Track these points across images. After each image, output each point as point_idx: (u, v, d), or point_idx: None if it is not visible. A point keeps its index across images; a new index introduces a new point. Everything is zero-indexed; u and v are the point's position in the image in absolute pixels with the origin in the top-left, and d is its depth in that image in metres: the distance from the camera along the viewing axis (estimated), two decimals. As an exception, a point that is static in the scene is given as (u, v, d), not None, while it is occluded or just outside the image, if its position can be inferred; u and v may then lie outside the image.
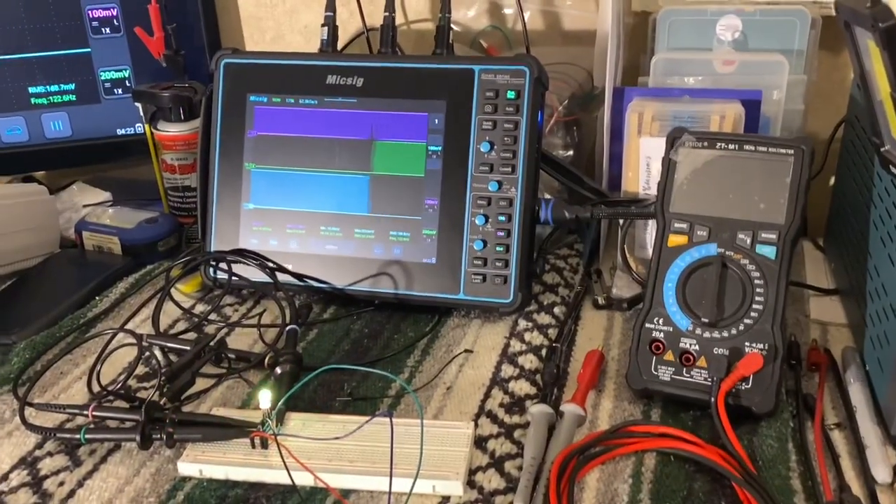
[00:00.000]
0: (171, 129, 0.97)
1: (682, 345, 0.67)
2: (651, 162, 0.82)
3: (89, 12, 1.01)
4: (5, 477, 0.62)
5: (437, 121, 0.80)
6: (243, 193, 0.85)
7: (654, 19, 0.90)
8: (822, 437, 0.62)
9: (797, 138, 0.68)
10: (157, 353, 0.74)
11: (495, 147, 0.79)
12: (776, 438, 0.62)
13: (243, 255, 0.82)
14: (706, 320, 0.66)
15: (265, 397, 0.63)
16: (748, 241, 0.66)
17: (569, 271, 0.91)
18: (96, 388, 0.70)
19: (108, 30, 1.02)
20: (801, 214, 0.66)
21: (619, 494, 0.58)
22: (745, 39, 0.87)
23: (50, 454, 0.64)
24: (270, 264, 0.81)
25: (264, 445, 0.62)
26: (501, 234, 0.79)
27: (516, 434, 0.65)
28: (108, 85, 1.05)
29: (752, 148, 0.68)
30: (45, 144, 1.05)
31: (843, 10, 0.63)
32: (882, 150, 0.62)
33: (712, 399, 0.62)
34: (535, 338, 0.78)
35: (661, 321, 0.68)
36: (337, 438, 0.62)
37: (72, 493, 0.60)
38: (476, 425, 0.65)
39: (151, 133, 0.99)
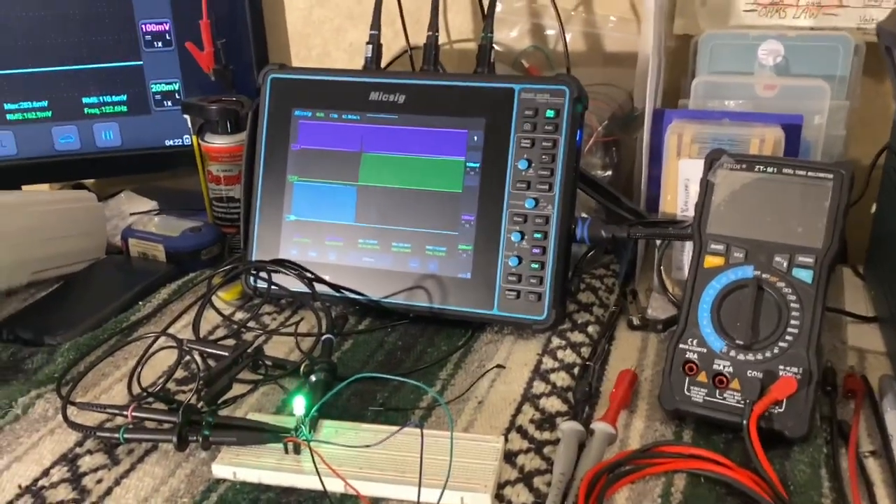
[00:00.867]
0: (217, 142, 1.00)
1: (715, 366, 0.66)
2: (689, 184, 0.82)
3: (143, 26, 1.05)
4: (46, 472, 0.64)
5: (476, 138, 0.82)
6: (285, 205, 0.87)
7: (696, 43, 0.91)
8: (857, 464, 0.61)
9: (837, 163, 0.68)
10: (197, 357, 0.75)
11: (533, 165, 0.80)
12: (809, 464, 0.62)
13: (283, 265, 0.83)
14: (741, 342, 0.66)
15: (299, 404, 0.64)
16: (785, 264, 0.66)
17: (604, 291, 0.91)
18: (136, 390, 0.72)
19: (160, 44, 1.06)
20: (840, 239, 0.66)
21: (648, 514, 0.58)
22: (786, 64, 0.87)
23: (90, 452, 0.66)
24: (308, 275, 0.82)
25: (297, 451, 0.63)
26: (537, 251, 0.80)
27: (546, 450, 0.65)
28: (158, 97, 1.08)
29: (791, 171, 0.68)
30: (95, 153, 1.08)
31: (884, 34, 0.63)
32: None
33: (744, 422, 0.61)
34: (568, 356, 0.78)
35: (695, 342, 0.68)
36: (368, 447, 0.62)
37: (109, 491, 0.62)
38: (506, 440, 0.65)
39: (198, 144, 1.01)
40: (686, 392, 0.67)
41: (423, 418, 0.69)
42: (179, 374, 0.76)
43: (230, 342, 0.81)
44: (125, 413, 0.67)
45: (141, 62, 1.06)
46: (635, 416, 0.69)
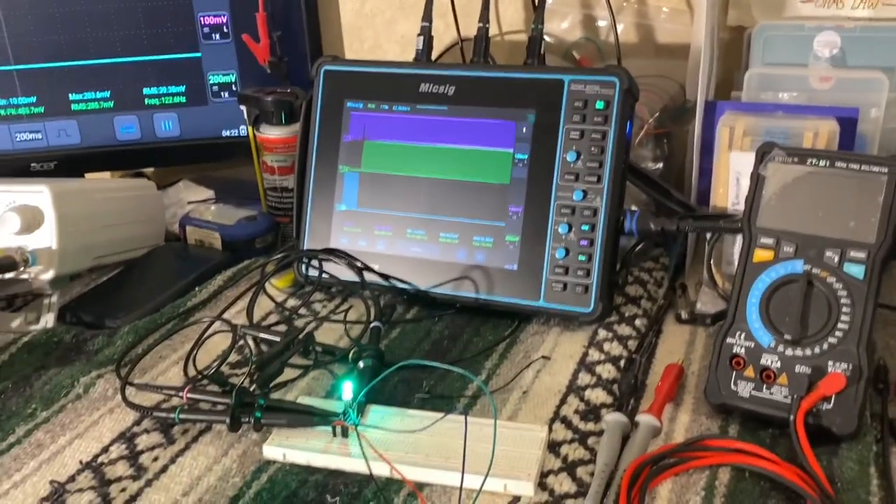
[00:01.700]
0: (272, 132, 1.02)
1: (763, 361, 0.66)
2: (741, 177, 0.81)
3: (201, 19, 1.07)
4: (106, 449, 0.66)
5: (524, 129, 0.82)
6: (336, 195, 0.89)
7: (750, 34, 0.89)
8: (907, 464, 0.61)
9: (892, 157, 0.66)
10: (250, 342, 0.77)
11: (582, 156, 0.80)
12: (857, 461, 0.61)
13: (333, 254, 0.85)
14: (789, 338, 0.65)
15: (348, 389, 0.65)
16: (836, 259, 0.65)
17: (653, 284, 0.90)
18: (192, 373, 0.75)
19: (217, 36, 1.08)
20: (894, 234, 0.65)
21: (691, 506, 0.58)
22: (843, 56, 0.85)
23: (147, 431, 0.68)
24: (358, 264, 0.84)
25: (345, 435, 0.64)
26: (584, 243, 0.80)
27: (590, 441, 0.65)
28: (215, 88, 1.10)
29: (845, 165, 0.67)
30: (155, 143, 1.11)
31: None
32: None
33: (791, 417, 0.61)
34: (615, 348, 0.78)
35: (742, 336, 0.67)
36: (414, 432, 0.64)
37: (164, 469, 0.64)
38: (550, 430, 0.66)
39: (254, 135, 1.03)
40: (733, 386, 0.66)
41: (469, 406, 0.70)
42: (233, 358, 0.78)
43: (282, 328, 0.82)
44: (181, 394, 0.69)
45: (199, 54, 1.09)
46: (681, 409, 0.69)
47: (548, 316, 0.83)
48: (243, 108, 1.03)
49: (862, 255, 0.65)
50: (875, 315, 0.64)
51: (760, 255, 0.68)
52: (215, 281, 0.94)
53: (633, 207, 0.87)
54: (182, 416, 0.67)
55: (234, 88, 1.10)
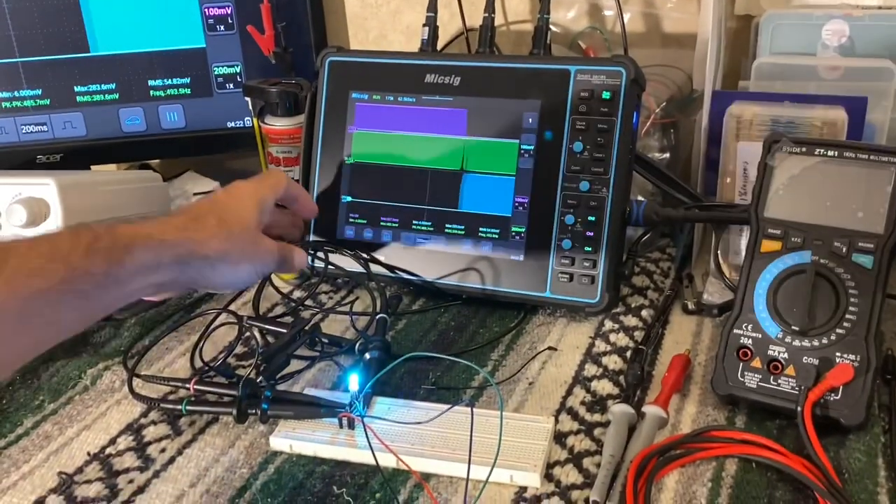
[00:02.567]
0: (277, 123, 1.01)
1: (770, 352, 0.66)
2: (748, 167, 0.81)
3: (206, 10, 1.07)
4: (113, 441, 0.67)
5: (530, 120, 0.82)
6: (341, 186, 0.89)
7: (758, 23, 0.89)
8: (915, 454, 0.60)
9: (901, 146, 0.66)
10: (256, 333, 0.78)
11: (588, 147, 0.80)
12: (865, 452, 0.61)
13: (339, 246, 0.85)
14: (797, 328, 0.65)
15: (354, 381, 0.65)
16: (844, 249, 0.65)
17: (659, 275, 0.90)
18: (198, 364, 0.75)
19: (222, 27, 1.08)
20: (903, 225, 0.64)
21: (698, 497, 0.58)
22: (851, 45, 0.85)
23: (154, 422, 0.69)
24: (364, 255, 0.84)
25: (351, 426, 0.64)
26: (590, 234, 0.80)
27: (596, 432, 0.65)
28: (220, 79, 1.10)
29: (853, 155, 0.67)
30: (160, 134, 1.11)
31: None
32: None
33: (799, 408, 0.61)
34: (621, 339, 0.78)
35: (749, 327, 0.67)
36: (420, 423, 0.64)
37: (172, 460, 0.64)
38: (556, 421, 0.66)
39: (259, 126, 1.03)
40: (740, 377, 0.66)
41: (475, 398, 0.70)
42: (239, 349, 0.78)
43: (288, 319, 0.83)
44: (187, 386, 0.69)
45: (204, 45, 1.08)
46: (688, 400, 0.69)
47: (554, 307, 0.83)
48: (248, 99, 1.03)
49: (870, 245, 0.64)
50: (883, 305, 0.64)
51: (768, 245, 0.68)
52: (221, 273, 0.94)
53: (640, 198, 0.86)
54: (189, 407, 0.68)
55: (238, 79, 1.10)
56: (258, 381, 0.69)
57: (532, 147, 0.82)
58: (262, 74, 1.07)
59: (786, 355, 0.65)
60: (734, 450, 0.61)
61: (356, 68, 0.89)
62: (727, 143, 0.81)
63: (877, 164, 0.66)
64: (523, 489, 0.59)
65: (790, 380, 0.64)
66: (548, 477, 0.60)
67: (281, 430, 0.65)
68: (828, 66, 0.84)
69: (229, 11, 1.07)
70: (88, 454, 0.65)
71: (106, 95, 1.09)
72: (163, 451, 0.65)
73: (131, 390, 0.71)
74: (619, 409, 0.65)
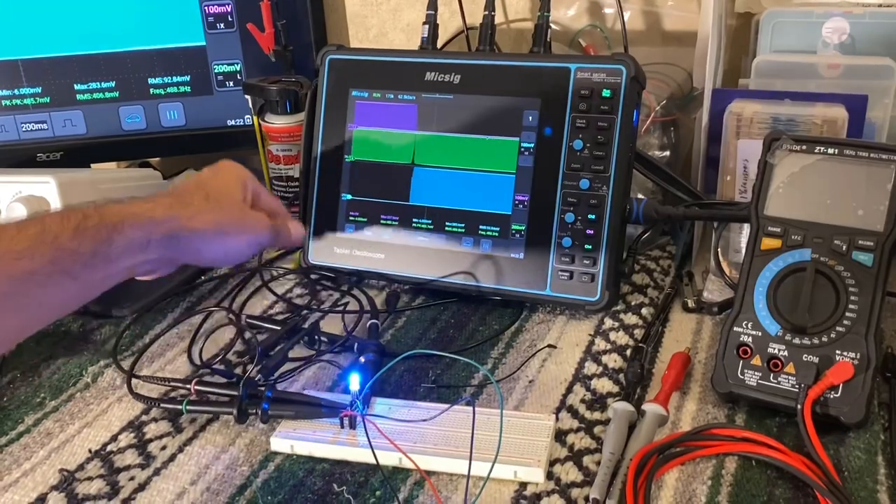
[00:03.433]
0: (277, 122, 1.02)
1: (770, 350, 0.66)
2: (749, 165, 0.81)
3: (206, 8, 1.07)
4: (115, 438, 0.67)
5: (530, 118, 0.82)
6: (342, 184, 0.89)
7: (758, 21, 0.89)
8: (915, 452, 0.60)
9: (902, 144, 0.66)
10: (255, 332, 0.78)
11: (588, 145, 0.80)
12: (865, 450, 0.61)
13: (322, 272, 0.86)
14: (797, 326, 0.65)
15: (354, 380, 0.65)
16: (844, 247, 0.65)
17: (659, 273, 0.90)
18: (197, 363, 0.75)
19: (222, 25, 1.08)
20: (903, 223, 0.64)
21: (697, 495, 0.58)
22: (852, 43, 0.85)
23: (155, 420, 0.69)
24: (352, 276, 0.86)
25: (352, 426, 0.64)
26: (590, 232, 0.80)
27: (596, 430, 0.65)
28: (220, 78, 1.10)
29: (853, 153, 0.67)
30: (160, 132, 1.11)
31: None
32: None
33: (798, 406, 0.61)
34: (621, 337, 0.78)
35: (749, 325, 0.67)
36: (423, 421, 0.64)
37: (173, 458, 0.64)
38: (556, 418, 0.66)
39: (259, 124, 1.03)
40: (740, 375, 0.66)
41: (475, 396, 0.70)
42: (239, 347, 0.78)
43: (287, 318, 0.83)
44: (188, 387, 0.69)
45: (204, 43, 1.08)
46: (688, 398, 0.69)
47: (554, 305, 0.83)
48: (248, 97, 1.03)
49: (870, 243, 0.64)
50: (883, 303, 0.64)
51: (768, 243, 0.68)
52: (221, 270, 0.94)
53: (640, 196, 0.86)
54: (190, 407, 0.68)
55: (239, 78, 1.10)
56: (257, 380, 0.70)
57: (532, 145, 0.82)
58: (263, 72, 1.07)
59: (786, 353, 0.65)
60: (734, 448, 0.61)
61: (356, 66, 0.89)
62: (727, 140, 0.81)
63: (877, 161, 0.66)
64: (523, 487, 0.59)
65: (790, 378, 0.64)
66: (548, 475, 0.60)
67: (281, 430, 0.65)
68: (828, 63, 0.84)
69: (229, 9, 1.07)
70: (90, 451, 0.65)
71: (106, 93, 1.09)
72: (164, 448, 0.65)
73: (131, 391, 0.71)
74: (619, 407, 0.65)
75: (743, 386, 0.66)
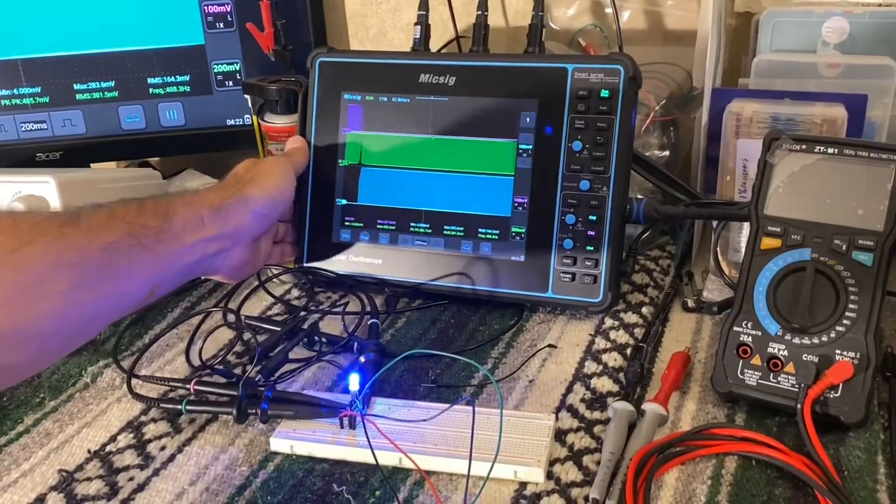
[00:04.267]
0: (276, 121, 1.01)
1: (770, 350, 0.66)
2: (748, 164, 0.81)
3: (205, 8, 1.07)
4: (114, 438, 0.67)
5: (528, 119, 0.81)
6: (336, 189, 0.88)
7: (758, 20, 0.89)
8: (915, 452, 0.60)
9: (901, 143, 0.66)
10: (254, 333, 0.78)
11: (587, 146, 0.80)
12: (864, 450, 0.61)
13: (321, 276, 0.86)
14: (796, 326, 0.65)
15: (354, 380, 0.65)
16: (844, 247, 0.65)
17: (659, 273, 0.90)
18: (196, 363, 0.75)
19: (221, 25, 1.08)
20: (903, 222, 0.64)
21: (697, 495, 0.58)
22: (852, 42, 0.85)
23: (154, 420, 0.69)
24: (349, 280, 0.86)
25: (352, 426, 0.64)
26: (592, 233, 0.80)
27: (596, 430, 0.65)
28: (220, 77, 1.10)
29: (853, 152, 0.67)
30: (160, 132, 1.11)
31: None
32: None
33: (798, 405, 0.61)
34: (621, 336, 0.78)
35: (749, 325, 0.67)
36: (423, 421, 0.64)
37: (172, 458, 0.64)
38: (556, 418, 0.66)
39: (258, 124, 1.03)
40: (739, 375, 0.66)
41: (475, 396, 0.70)
42: (238, 348, 0.78)
43: (286, 318, 0.82)
44: (187, 387, 0.69)
45: (203, 43, 1.08)
46: (687, 398, 0.69)
47: (556, 307, 0.82)
48: (247, 97, 1.03)
49: (870, 242, 0.64)
50: (883, 303, 0.64)
51: (768, 242, 0.68)
52: (221, 270, 0.94)
53: (638, 195, 0.86)
54: (189, 407, 0.68)
55: (238, 77, 1.10)
56: (257, 380, 0.70)
57: (530, 147, 0.81)
58: (262, 72, 1.07)
59: (785, 353, 0.65)
60: (734, 447, 0.61)
61: (347, 69, 0.88)
62: (727, 140, 0.81)
63: (877, 161, 0.66)
64: (523, 486, 0.59)
65: (790, 377, 0.64)
66: (548, 475, 0.60)
67: (281, 430, 0.65)
68: (828, 63, 0.84)
69: (229, 9, 1.07)
70: (89, 452, 0.65)
71: (105, 93, 1.09)
72: (163, 448, 0.65)
73: (130, 391, 0.71)
74: (619, 406, 0.65)
75: (743, 385, 0.66)
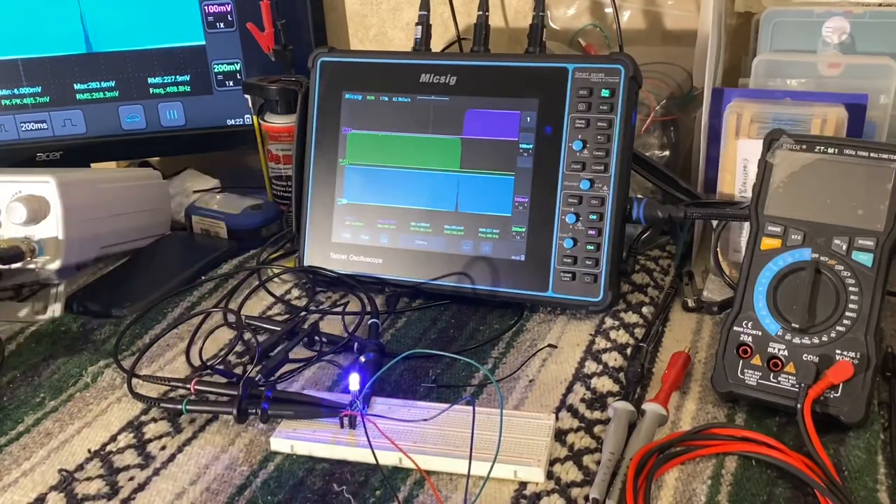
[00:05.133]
0: (276, 121, 1.02)
1: (770, 349, 0.66)
2: (748, 164, 0.80)
3: (205, 8, 1.07)
4: (114, 438, 0.67)
5: (529, 119, 0.81)
6: (337, 189, 0.88)
7: (758, 20, 0.89)
8: (915, 452, 0.60)
9: (901, 144, 0.66)
10: (254, 333, 0.77)
11: (588, 145, 0.80)
12: (864, 450, 0.61)
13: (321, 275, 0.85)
14: (797, 326, 0.65)
15: (354, 380, 0.65)
16: (844, 247, 0.65)
17: (659, 272, 0.90)
18: (196, 363, 0.75)
19: (221, 24, 1.08)
20: (903, 222, 0.64)
21: (697, 495, 0.58)
22: (852, 42, 0.85)
23: (154, 420, 0.69)
24: (349, 280, 0.85)
25: (352, 425, 0.64)
26: (592, 232, 0.80)
27: (596, 429, 0.65)
28: (220, 77, 1.10)
29: (853, 152, 0.67)
30: (160, 132, 1.11)
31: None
32: None
33: (798, 405, 0.61)
34: (621, 336, 0.78)
35: (749, 325, 0.67)
36: (423, 421, 0.64)
37: (172, 458, 0.64)
38: (556, 418, 0.66)
39: (259, 124, 1.03)
40: (740, 375, 0.66)
41: (475, 395, 0.70)
42: (239, 348, 0.78)
43: (287, 318, 0.82)
44: (188, 386, 0.69)
45: (204, 43, 1.08)
46: (687, 397, 0.69)
47: (557, 306, 0.82)
48: (248, 96, 1.03)
49: (870, 242, 0.64)
50: (883, 303, 0.64)
51: (768, 243, 0.68)
52: (221, 270, 0.94)
53: (639, 195, 0.86)
54: (189, 407, 0.67)
55: (238, 77, 1.10)
56: (257, 380, 0.70)
57: (531, 146, 0.81)
58: (262, 72, 1.07)
59: (786, 353, 0.65)
60: (734, 447, 0.61)
61: (348, 69, 0.88)
62: (727, 140, 0.81)
63: (877, 161, 0.66)
64: (523, 486, 0.59)
65: (790, 377, 0.64)
66: (548, 475, 0.60)
67: (281, 430, 0.65)
68: (828, 63, 0.84)
69: (229, 9, 1.07)
70: (89, 451, 0.65)
71: (106, 93, 1.09)
72: (163, 448, 0.65)
73: (131, 390, 0.71)
74: (619, 406, 0.65)
75: (743, 385, 0.66)
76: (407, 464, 0.61)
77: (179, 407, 0.67)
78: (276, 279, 0.90)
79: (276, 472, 0.62)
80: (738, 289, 0.69)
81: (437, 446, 0.62)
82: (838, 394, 0.62)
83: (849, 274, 0.64)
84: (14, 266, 0.80)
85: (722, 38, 0.89)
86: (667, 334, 0.78)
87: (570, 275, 0.80)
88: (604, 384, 0.71)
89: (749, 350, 0.66)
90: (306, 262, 0.89)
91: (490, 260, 0.83)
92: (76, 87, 1.08)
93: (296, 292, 0.89)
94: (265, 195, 1.07)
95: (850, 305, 0.64)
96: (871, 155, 0.66)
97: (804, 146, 0.69)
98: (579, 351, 0.76)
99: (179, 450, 0.65)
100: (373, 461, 0.60)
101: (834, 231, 0.66)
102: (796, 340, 0.65)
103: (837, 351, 0.63)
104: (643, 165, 0.87)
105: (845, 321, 0.64)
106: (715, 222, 0.83)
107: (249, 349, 0.77)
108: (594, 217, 0.80)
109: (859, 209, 0.65)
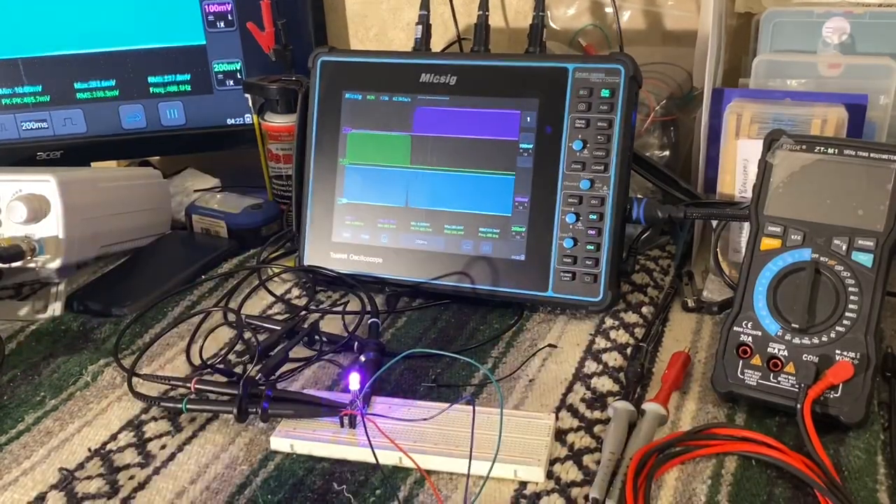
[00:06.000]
0: (277, 121, 1.02)
1: (770, 350, 0.66)
2: (748, 164, 0.81)
3: (206, 7, 1.07)
4: (114, 437, 0.67)
5: (529, 119, 0.81)
6: (337, 188, 0.88)
7: (758, 20, 0.89)
8: (914, 452, 0.60)
9: (902, 144, 0.66)
10: (254, 332, 0.78)
11: (588, 145, 0.80)
12: (864, 450, 0.61)
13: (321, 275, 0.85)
14: (796, 326, 0.65)
15: (354, 379, 0.65)
16: (844, 247, 0.65)
17: (659, 272, 0.90)
18: (196, 362, 0.75)
19: (222, 24, 1.08)
20: (903, 223, 0.64)
21: (697, 495, 0.58)
22: (852, 42, 0.85)
23: (154, 419, 0.69)
24: (349, 279, 0.85)
25: (352, 425, 0.64)
26: (592, 232, 0.80)
27: (596, 429, 0.65)
28: (220, 76, 1.10)
29: (853, 153, 0.67)
30: (160, 131, 1.11)
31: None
32: None
33: (798, 405, 0.61)
34: (621, 336, 0.78)
35: (749, 325, 0.67)
36: (423, 420, 0.64)
37: (172, 457, 0.64)
38: (556, 418, 0.66)
39: (259, 123, 1.03)
40: (739, 375, 0.66)
41: (475, 395, 0.70)
42: (239, 347, 0.78)
43: (287, 317, 0.82)
44: (188, 385, 0.69)
45: (204, 42, 1.08)
46: (687, 397, 0.69)
47: (556, 306, 0.82)
48: (248, 96, 1.03)
49: (870, 243, 0.64)
50: (883, 303, 0.64)
51: (768, 243, 0.68)
52: (221, 269, 0.94)
53: (639, 195, 0.86)
54: (190, 406, 0.68)
55: (239, 76, 1.10)
56: (258, 379, 0.70)
57: (531, 146, 0.82)
58: (263, 71, 1.07)
59: (785, 353, 0.65)
60: (734, 447, 0.61)
61: (349, 68, 0.88)
62: (727, 140, 0.81)
63: (877, 161, 0.66)
64: (523, 486, 0.59)
65: (790, 377, 0.64)
66: (548, 474, 0.60)
67: (281, 429, 0.65)
68: (828, 63, 0.84)
69: (229, 8, 1.07)
70: (89, 450, 0.65)
71: (106, 92, 1.09)
72: (163, 447, 0.65)
73: (131, 390, 0.71)
74: (619, 406, 0.65)
75: (743, 385, 0.66)
76: (407, 463, 0.61)
77: (180, 406, 0.67)
78: (276, 278, 0.90)
79: (277, 471, 0.62)
80: (737, 289, 0.69)
81: (437, 446, 0.62)
82: (838, 394, 0.63)
83: (849, 274, 0.65)
84: (14, 265, 0.80)
85: (722, 38, 0.89)
86: (667, 334, 0.78)
87: (570, 275, 0.80)
88: (604, 384, 0.71)
89: (749, 350, 0.67)
90: (306, 262, 0.89)
91: (490, 260, 0.83)
92: (76, 86, 1.08)
93: (296, 291, 0.89)
94: (265, 194, 1.07)
95: (850, 306, 0.64)
96: (871, 155, 0.66)
97: (804, 146, 0.69)
98: (579, 351, 0.76)
99: (180, 449, 0.65)
100: (373, 460, 0.60)
101: (834, 231, 0.66)
102: (796, 340, 0.65)
103: (837, 351, 0.63)
104: (643, 165, 0.87)
105: (845, 321, 0.64)
106: (715, 222, 0.83)
107: (249, 348, 0.77)
108: (594, 217, 0.80)
109: (859, 209, 0.65)
